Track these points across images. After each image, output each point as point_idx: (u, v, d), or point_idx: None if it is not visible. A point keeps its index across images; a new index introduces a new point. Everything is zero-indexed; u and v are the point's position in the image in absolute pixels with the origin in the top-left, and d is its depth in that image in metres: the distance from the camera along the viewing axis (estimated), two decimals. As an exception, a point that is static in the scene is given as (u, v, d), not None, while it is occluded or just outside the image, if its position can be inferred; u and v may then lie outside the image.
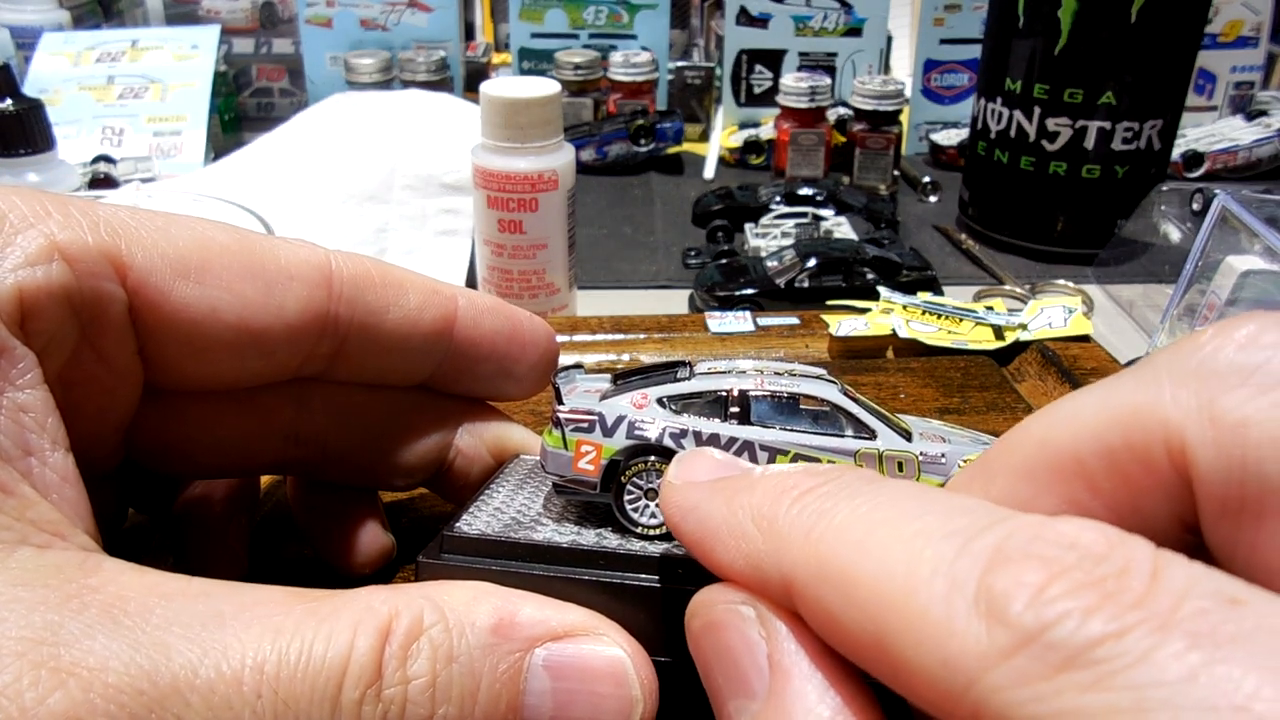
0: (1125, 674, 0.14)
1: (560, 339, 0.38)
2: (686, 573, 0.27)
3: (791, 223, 0.86)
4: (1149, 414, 0.18)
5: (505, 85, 0.64)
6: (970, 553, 0.16)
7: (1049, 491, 0.20)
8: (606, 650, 0.24)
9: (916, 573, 0.16)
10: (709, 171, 1.11)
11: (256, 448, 0.33)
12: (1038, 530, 0.16)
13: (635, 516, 0.29)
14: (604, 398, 0.30)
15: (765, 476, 0.21)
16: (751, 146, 1.12)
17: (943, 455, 0.30)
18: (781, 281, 0.74)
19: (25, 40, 1.13)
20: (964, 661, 0.15)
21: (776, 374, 0.31)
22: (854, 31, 1.16)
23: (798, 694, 0.19)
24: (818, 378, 0.31)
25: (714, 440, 0.29)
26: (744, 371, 0.31)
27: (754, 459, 0.29)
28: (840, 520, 0.18)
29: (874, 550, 0.17)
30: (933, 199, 1.03)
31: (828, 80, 1.02)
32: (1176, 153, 1.04)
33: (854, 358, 0.61)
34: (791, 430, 0.30)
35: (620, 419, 0.30)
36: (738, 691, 0.20)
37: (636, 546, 0.28)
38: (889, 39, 1.21)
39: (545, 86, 0.64)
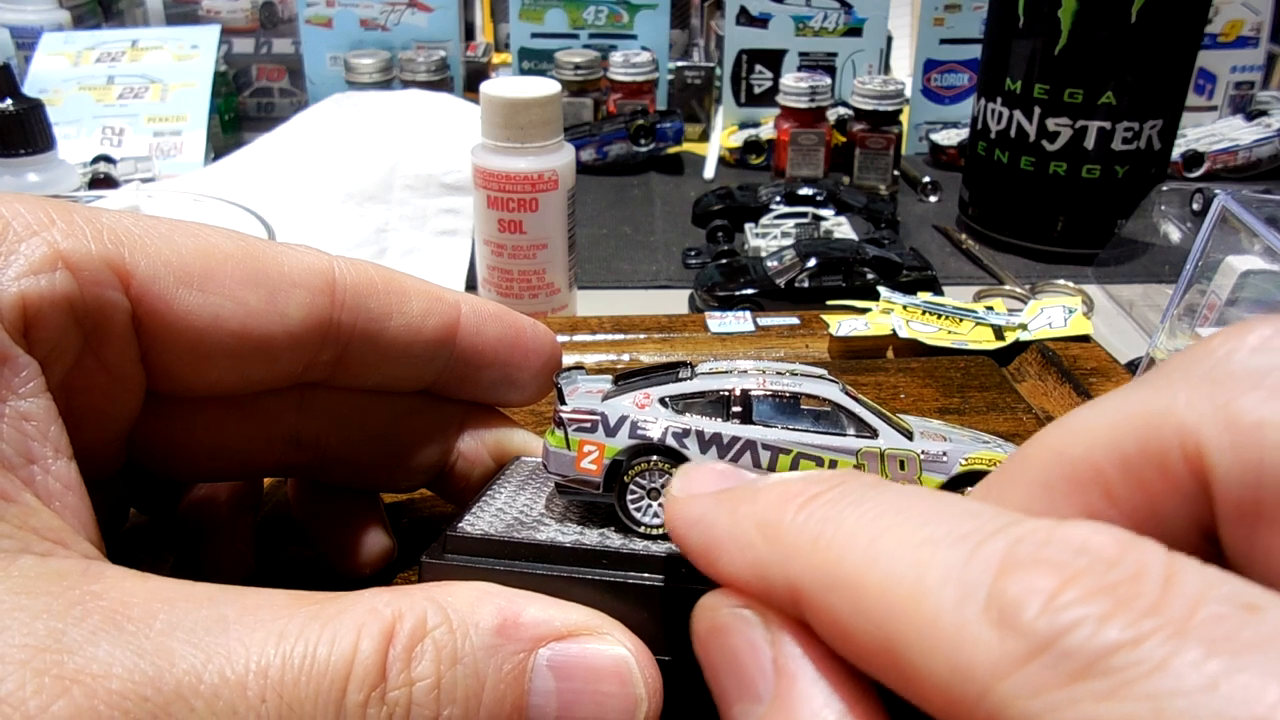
0: (1142, 683, 0.13)
1: (560, 339, 0.38)
2: (690, 571, 0.27)
3: (791, 223, 0.86)
4: (1164, 419, 0.18)
5: (505, 85, 0.64)
6: (980, 559, 0.16)
7: (1066, 501, 0.20)
8: (610, 649, 0.24)
9: (925, 580, 0.16)
10: (709, 171, 1.11)
11: (258, 452, 0.33)
12: (1047, 534, 0.16)
13: (638, 516, 0.29)
14: (606, 398, 0.30)
15: (769, 485, 0.21)
16: (751, 146, 1.12)
17: (944, 454, 0.30)
18: (781, 281, 0.74)
19: (25, 40, 1.13)
20: (976, 670, 0.15)
21: (778, 374, 0.31)
22: (854, 31, 1.16)
23: (803, 697, 0.18)
24: (819, 377, 0.31)
25: (716, 439, 0.29)
26: (746, 371, 0.31)
27: (756, 458, 0.29)
28: (847, 527, 0.18)
29: (882, 558, 0.17)
30: (933, 199, 1.03)
31: (828, 80, 1.02)
32: (1176, 153, 1.04)
33: (854, 358, 0.61)
34: (793, 430, 0.30)
35: (623, 419, 0.30)
36: (743, 695, 0.20)
37: (639, 546, 0.28)
38: (889, 39, 1.21)
39: (545, 86, 0.64)
